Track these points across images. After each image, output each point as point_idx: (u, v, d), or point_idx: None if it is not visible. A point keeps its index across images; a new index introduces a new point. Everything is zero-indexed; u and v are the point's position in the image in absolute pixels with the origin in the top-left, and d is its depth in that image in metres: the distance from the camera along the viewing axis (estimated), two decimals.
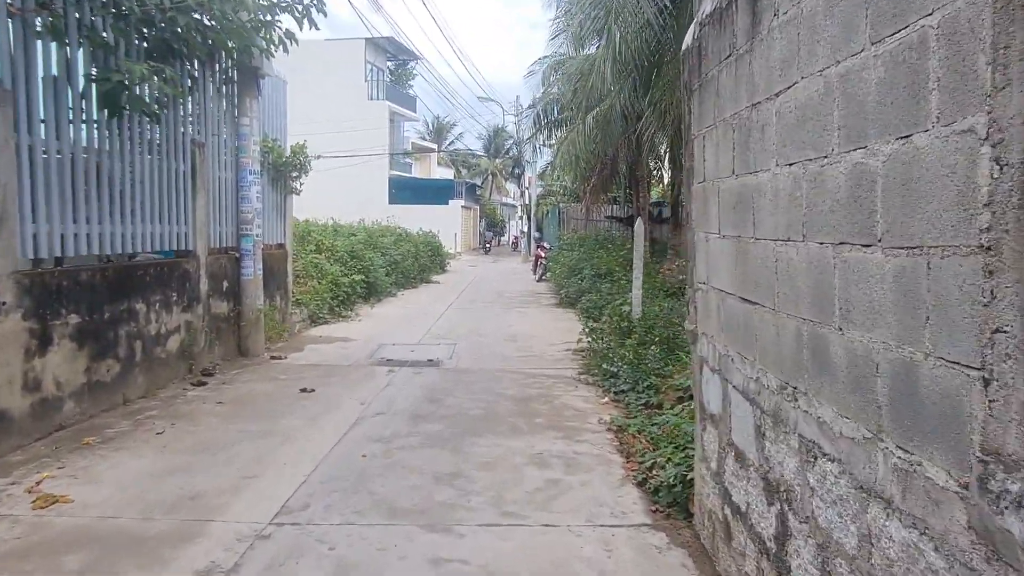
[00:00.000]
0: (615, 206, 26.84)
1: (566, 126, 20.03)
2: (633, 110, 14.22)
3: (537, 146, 25.03)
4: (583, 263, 15.88)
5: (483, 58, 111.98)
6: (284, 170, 10.22)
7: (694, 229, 4.05)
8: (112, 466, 4.96)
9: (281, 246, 10.65)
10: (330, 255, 15.12)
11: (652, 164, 23.69)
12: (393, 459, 5.19)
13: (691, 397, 4.77)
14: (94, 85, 6.00)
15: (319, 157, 14.96)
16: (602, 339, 9.16)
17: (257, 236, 9.01)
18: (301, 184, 10.68)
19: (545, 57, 24.01)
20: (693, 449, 4.29)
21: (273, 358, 8.96)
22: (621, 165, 20.75)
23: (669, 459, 4.68)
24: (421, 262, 21.44)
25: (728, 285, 3.32)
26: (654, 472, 4.73)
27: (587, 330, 9.51)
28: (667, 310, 10.37)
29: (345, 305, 13.48)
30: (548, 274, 21.09)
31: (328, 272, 13.37)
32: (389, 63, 48.09)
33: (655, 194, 27.03)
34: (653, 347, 8.17)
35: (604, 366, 7.75)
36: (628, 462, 5.16)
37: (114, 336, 6.46)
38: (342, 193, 37.89)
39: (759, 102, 2.80)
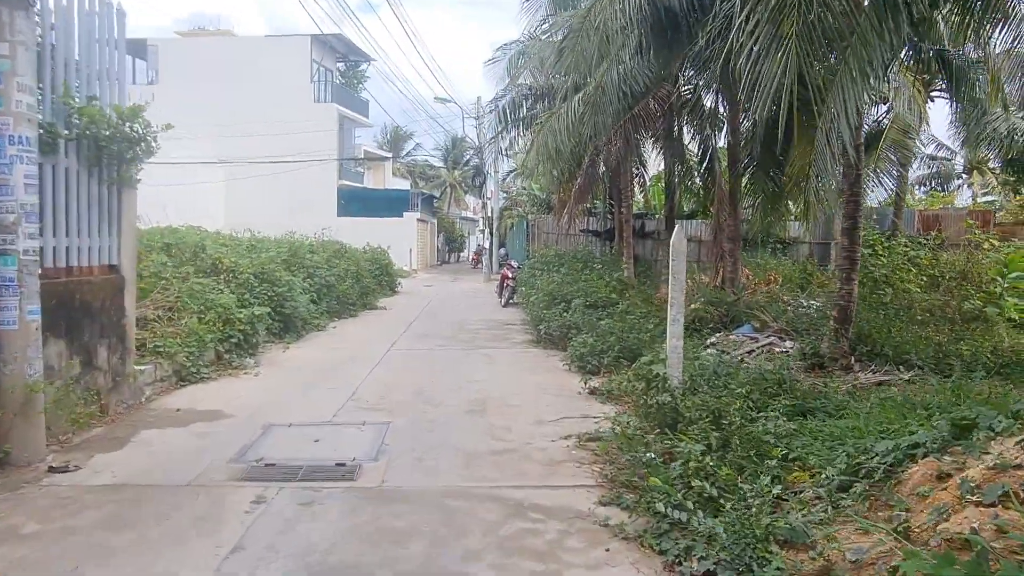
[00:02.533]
0: (591, 218, 23.35)
1: (536, 126, 16.42)
2: (639, 80, 10.72)
3: (503, 148, 21.44)
4: (569, 288, 12.24)
5: (446, 70, 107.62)
6: (113, 147, 6.33)
7: None
8: None
9: (112, 269, 6.74)
10: (230, 278, 11.21)
11: (635, 169, 20.41)
12: None
13: None
14: None
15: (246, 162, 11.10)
16: (627, 432, 5.51)
17: (31, 254, 5.13)
18: (140, 170, 6.81)
19: (511, 43, 20.51)
20: None
21: (53, 469, 5.04)
22: (600, 169, 17.32)
23: None
24: (364, 284, 17.55)
25: None
26: None
27: (614, 423, 5.85)
28: (716, 367, 6.78)
29: (242, 350, 9.57)
30: (516, 297, 17.41)
31: (216, 304, 9.45)
32: (339, 64, 44.20)
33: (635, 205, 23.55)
34: (733, 452, 4.59)
35: (657, 505, 4.05)
36: None
37: None
38: (282, 203, 33.82)
39: None
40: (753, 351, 9.97)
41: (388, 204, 39.85)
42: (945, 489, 3.24)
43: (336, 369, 9.28)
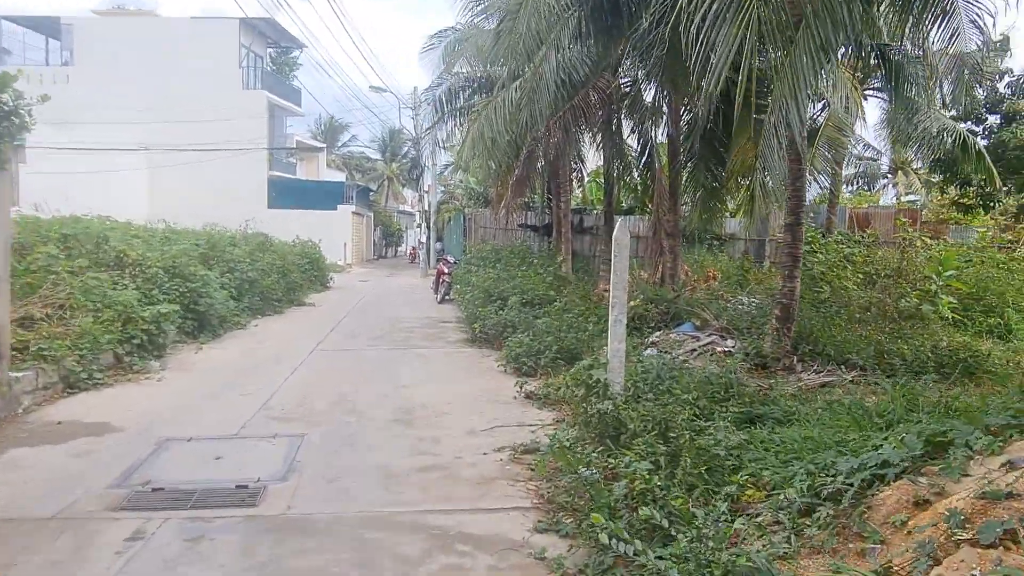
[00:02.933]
0: (530, 212, 22.91)
1: (473, 114, 15.76)
2: (578, 69, 10.26)
3: (440, 139, 20.72)
4: (505, 285, 11.72)
5: (383, 60, 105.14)
6: None
7: None
8: None
9: None
10: (136, 273, 10.25)
11: (573, 163, 20.07)
12: None
13: None
14: None
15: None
16: (566, 445, 5.01)
17: None
18: (14, 147, 5.92)
19: (447, 30, 19.82)
20: None
21: None
22: (538, 163, 16.86)
23: None
24: (291, 279, 16.61)
25: None
26: None
27: (552, 438, 5.31)
28: (661, 370, 6.37)
29: (146, 351, 8.68)
30: (452, 294, 16.79)
31: (115, 301, 8.54)
32: (270, 49, 42.52)
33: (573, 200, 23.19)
34: (683, 469, 4.15)
35: (600, 536, 3.54)
36: None
37: None
38: (209, 194, 32.24)
39: None
40: (695, 350, 9.67)
41: (321, 196, 38.54)
42: (925, 519, 2.84)
43: (252, 372, 8.52)
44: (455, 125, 20.17)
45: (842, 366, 8.73)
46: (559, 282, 13.08)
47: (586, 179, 23.34)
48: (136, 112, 32.74)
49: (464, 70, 18.82)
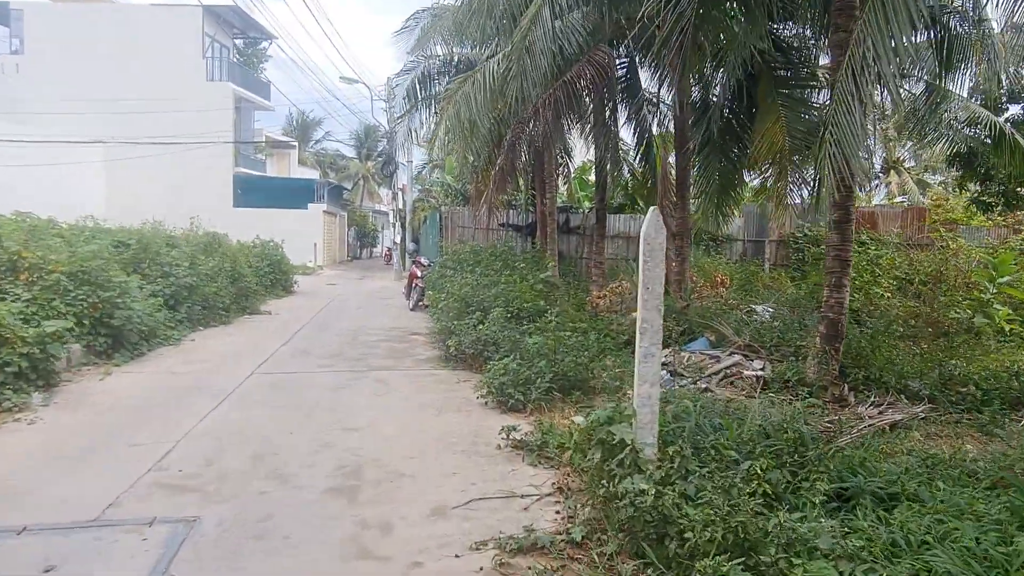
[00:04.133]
0: (511, 211, 21.09)
1: (447, 93, 13.87)
2: (571, 39, 8.52)
3: (413, 129, 18.84)
4: (485, 293, 9.92)
5: (356, 54, 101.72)
6: None
7: None
8: None
9: None
10: (31, 280, 8.33)
11: (559, 158, 18.37)
12: None
13: None
14: None
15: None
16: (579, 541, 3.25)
17: None
18: None
19: (423, 11, 17.94)
20: None
21: None
22: (521, 153, 15.10)
23: None
24: (243, 284, 14.66)
25: None
26: None
27: (558, 531, 3.53)
28: (699, 417, 4.66)
29: (26, 381, 6.77)
30: (426, 299, 14.96)
31: None
32: (237, 40, 40.33)
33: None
34: None
35: None
36: None
37: None
38: (170, 191, 30.12)
39: None
40: (719, 375, 7.96)
41: (291, 194, 36.48)
42: None
43: (160, 409, 6.64)
44: (430, 115, 18.31)
45: (902, 395, 7.08)
46: (548, 289, 11.32)
47: (572, 174, 21.60)
48: (91, 103, 30.55)
49: (440, 51, 16.97)
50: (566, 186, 22.67)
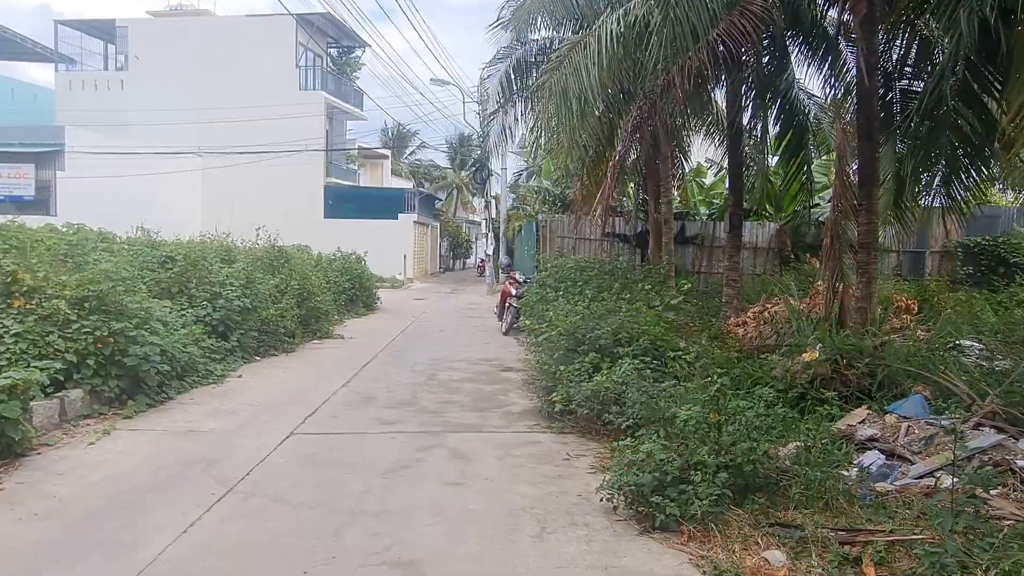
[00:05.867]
0: (618, 219, 18.39)
1: (548, 66, 11.34)
2: None
3: (507, 126, 16.59)
4: (602, 325, 7.38)
5: (453, 58, 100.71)
6: None
7: None
8: None
9: None
10: (28, 307, 6.58)
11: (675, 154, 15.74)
12: None
13: None
14: None
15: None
16: None
17: None
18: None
19: None
20: None
21: None
22: (635, 151, 12.53)
23: None
24: (315, 303, 12.79)
25: None
26: None
27: None
28: None
29: None
30: (522, 321, 12.62)
31: None
32: (330, 49, 39.67)
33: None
34: None
35: None
36: None
37: None
38: (262, 201, 29.15)
39: None
40: (970, 460, 5.12)
41: (381, 204, 35.20)
42: None
43: (128, 513, 4.52)
44: (526, 110, 16.00)
45: None
46: (679, 315, 8.69)
47: (686, 177, 18.73)
48: (188, 114, 30.37)
49: (540, 35, 14.61)
50: (679, 190, 19.76)
